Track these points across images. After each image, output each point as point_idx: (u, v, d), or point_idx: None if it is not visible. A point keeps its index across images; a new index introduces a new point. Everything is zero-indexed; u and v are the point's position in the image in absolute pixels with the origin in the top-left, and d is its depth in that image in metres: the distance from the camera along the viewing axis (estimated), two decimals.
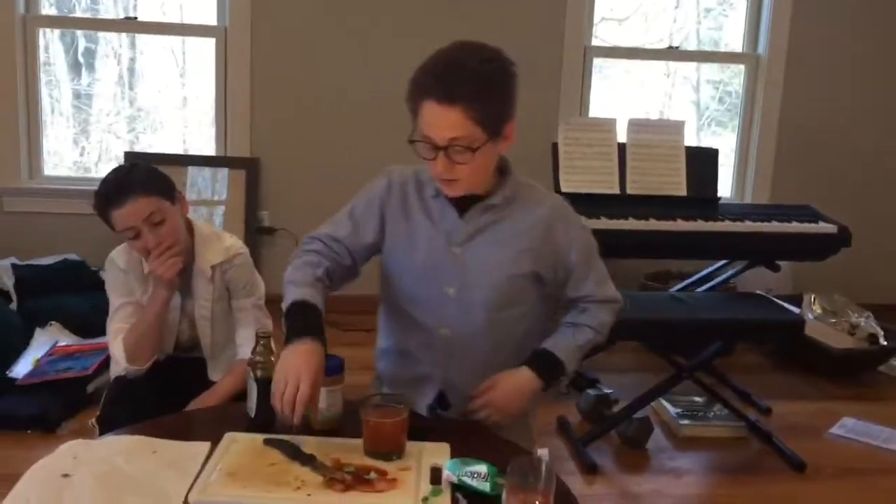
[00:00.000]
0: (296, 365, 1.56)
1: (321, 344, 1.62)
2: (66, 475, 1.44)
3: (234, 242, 2.24)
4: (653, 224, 3.24)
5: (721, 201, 3.50)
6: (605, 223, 3.20)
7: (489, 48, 1.67)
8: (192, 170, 4.15)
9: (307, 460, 1.51)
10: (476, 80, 1.61)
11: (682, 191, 3.45)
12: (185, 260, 2.11)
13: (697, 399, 3.34)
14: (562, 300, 1.89)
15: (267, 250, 4.24)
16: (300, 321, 1.65)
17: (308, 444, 1.59)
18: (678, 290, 3.58)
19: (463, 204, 1.77)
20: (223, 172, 4.18)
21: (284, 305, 1.70)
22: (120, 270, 2.16)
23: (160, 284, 2.09)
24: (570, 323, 1.87)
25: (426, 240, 1.79)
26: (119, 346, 2.11)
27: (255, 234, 4.20)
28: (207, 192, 4.19)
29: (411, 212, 1.81)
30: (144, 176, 2.07)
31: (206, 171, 4.19)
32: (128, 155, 4.12)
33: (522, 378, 1.77)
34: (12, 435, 2.87)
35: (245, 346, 2.15)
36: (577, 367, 1.87)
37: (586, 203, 3.30)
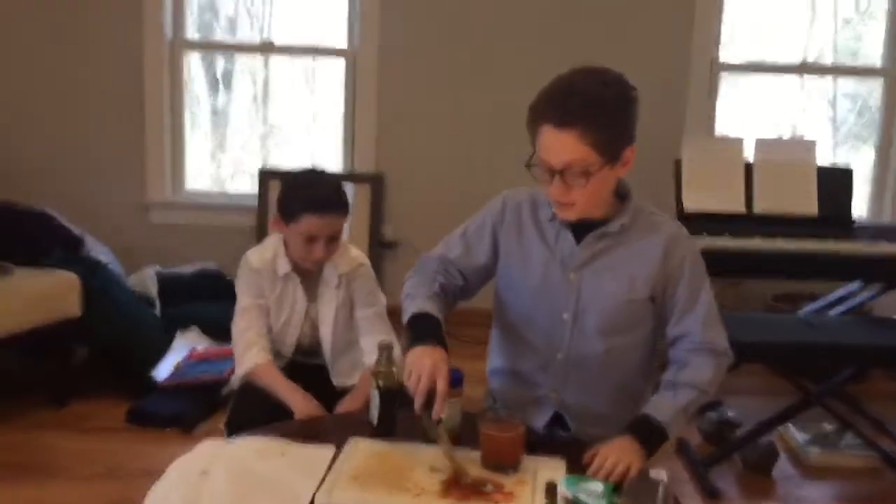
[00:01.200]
0: (428, 362, 1.61)
1: (445, 350, 1.67)
2: (204, 472, 1.54)
3: (358, 253, 2.34)
4: (780, 244, 3.14)
5: (856, 222, 3.36)
6: (729, 242, 3.13)
7: (609, 73, 1.69)
8: None
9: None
10: (592, 104, 1.62)
11: (812, 210, 3.33)
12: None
13: (827, 426, 3.20)
14: (666, 339, 1.83)
15: (389, 264, 4.35)
16: (423, 330, 1.70)
17: (427, 452, 1.64)
18: (808, 313, 3.45)
19: (579, 228, 1.77)
20: (349, 187, 4.33)
21: (405, 318, 1.76)
22: (252, 270, 2.25)
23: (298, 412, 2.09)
24: (670, 382, 1.77)
25: (541, 264, 1.81)
26: (243, 356, 2.20)
27: (378, 247, 4.32)
28: None
29: (525, 234, 1.83)
30: (345, 194, 2.19)
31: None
32: (262, 172, 4.33)
33: (626, 445, 1.64)
34: (153, 433, 3.06)
35: (371, 353, 2.22)
36: (685, 431, 1.77)
37: (710, 221, 3.24)
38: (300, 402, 2.07)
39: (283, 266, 2.22)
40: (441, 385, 1.59)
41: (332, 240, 2.15)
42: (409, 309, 1.77)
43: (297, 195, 2.15)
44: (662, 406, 1.73)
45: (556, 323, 1.80)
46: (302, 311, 2.28)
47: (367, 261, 2.34)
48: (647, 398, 1.81)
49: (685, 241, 1.80)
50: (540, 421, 1.87)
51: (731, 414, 3.23)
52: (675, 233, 1.80)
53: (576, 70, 1.69)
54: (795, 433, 3.16)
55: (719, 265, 3.18)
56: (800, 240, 3.16)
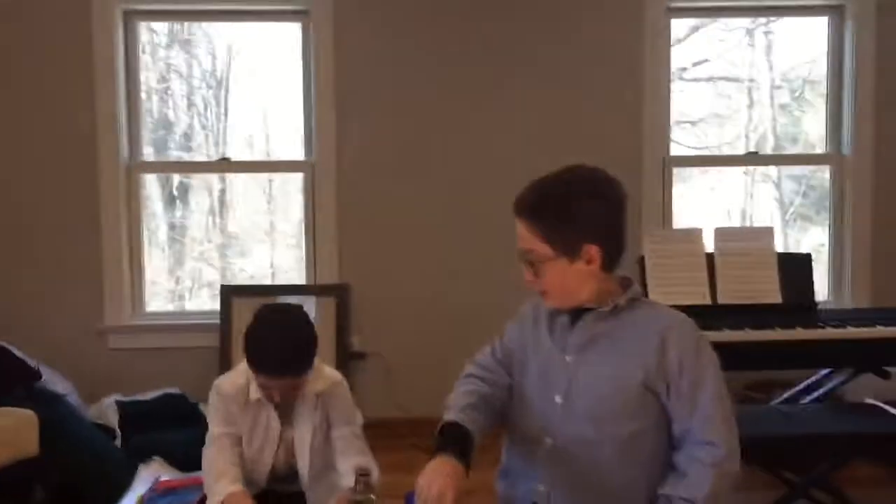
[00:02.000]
0: (439, 478, 1.60)
1: (465, 466, 1.66)
2: None
3: (332, 372, 2.30)
4: (749, 334, 3.15)
5: (819, 306, 3.39)
6: None
7: (586, 171, 1.77)
8: (281, 300, 4.27)
9: None
10: (540, 198, 1.74)
11: (776, 298, 3.36)
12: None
13: None
14: (671, 439, 1.76)
15: (359, 375, 4.26)
16: (449, 440, 1.70)
17: None
18: (782, 402, 3.44)
19: (574, 316, 1.81)
20: (311, 301, 4.28)
21: (438, 427, 1.75)
22: (223, 396, 2.21)
23: None
24: (665, 496, 1.70)
25: (544, 349, 1.84)
26: (213, 492, 2.16)
27: (347, 358, 4.25)
28: None
29: (540, 323, 1.87)
30: (305, 353, 2.14)
31: (296, 301, 4.30)
32: (224, 288, 4.27)
33: None
34: None
35: (348, 475, 2.15)
36: None
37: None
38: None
39: (255, 392, 2.18)
40: (448, 499, 1.57)
41: (292, 389, 2.13)
42: (445, 417, 1.77)
43: (251, 351, 2.12)
44: None
45: (549, 406, 1.79)
46: (276, 436, 2.22)
47: (342, 379, 2.30)
48: (644, 497, 1.74)
49: (686, 333, 1.76)
50: None
51: None
52: (676, 323, 1.77)
53: (566, 167, 1.78)
54: None
55: None
56: (766, 329, 3.17)
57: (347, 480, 2.09)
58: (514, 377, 1.89)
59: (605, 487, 1.76)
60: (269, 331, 2.14)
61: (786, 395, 3.55)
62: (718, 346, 3.08)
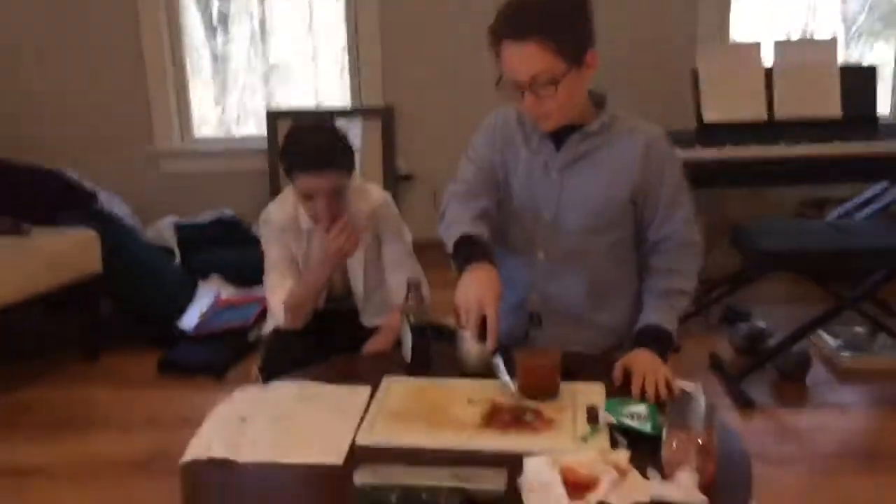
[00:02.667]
0: (477, 291, 1.61)
1: (496, 269, 1.67)
2: (243, 419, 1.53)
3: (379, 192, 2.29)
4: (806, 148, 3.07)
5: (881, 120, 3.27)
6: (753, 150, 3.06)
7: None
8: None
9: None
10: (544, 11, 1.65)
11: (836, 112, 3.25)
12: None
13: (859, 330, 3.18)
14: (646, 242, 1.85)
15: (406, 197, 4.30)
16: (470, 251, 1.70)
17: (464, 386, 1.63)
18: (836, 218, 3.39)
19: (560, 134, 1.79)
20: (357, 124, 4.25)
21: (450, 244, 1.75)
22: (275, 226, 2.21)
23: (330, 258, 2.09)
24: (663, 291, 1.80)
25: (526, 169, 1.83)
26: (278, 307, 2.16)
27: (393, 181, 4.27)
28: None
29: (514, 143, 1.85)
30: (340, 149, 2.10)
31: (342, 123, 4.27)
32: (269, 114, 4.26)
33: (649, 359, 1.66)
34: (185, 381, 3.08)
35: (398, 291, 2.20)
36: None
37: (732, 131, 3.17)
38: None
39: (306, 221, 2.18)
40: (490, 316, 1.58)
41: (334, 195, 2.08)
42: (452, 236, 1.76)
43: (288, 153, 2.09)
44: (663, 314, 1.77)
45: (538, 221, 1.82)
46: None
47: (389, 198, 2.29)
48: (623, 306, 1.87)
49: (664, 144, 1.82)
50: (521, 326, 1.88)
51: (761, 325, 3.20)
52: (655, 135, 1.81)
53: None
54: (828, 339, 3.14)
55: (744, 175, 3.16)
56: (824, 143, 3.09)
57: (398, 295, 2.13)
58: (499, 193, 1.88)
59: (595, 289, 1.85)
60: (302, 129, 2.13)
61: (840, 211, 3.50)
62: (775, 162, 3.08)
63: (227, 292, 3.54)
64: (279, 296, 2.17)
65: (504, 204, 1.87)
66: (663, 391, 1.56)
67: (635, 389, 1.57)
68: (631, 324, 1.83)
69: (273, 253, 2.22)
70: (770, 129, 3.19)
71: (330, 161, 2.06)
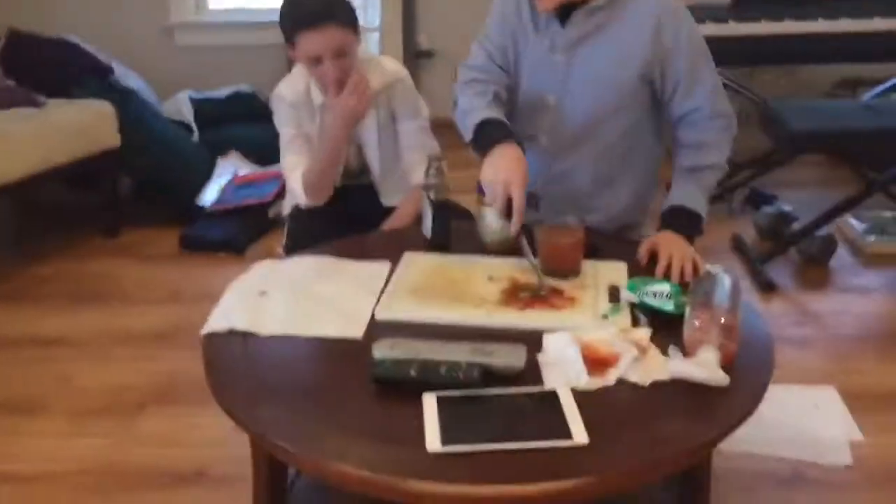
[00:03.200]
0: (504, 171, 1.58)
1: (520, 146, 1.63)
2: (262, 292, 1.53)
3: (395, 66, 2.21)
4: (846, 24, 2.93)
5: None
6: (789, 26, 2.93)
7: None
8: None
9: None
10: None
11: None
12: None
13: (886, 214, 3.12)
14: (671, 119, 1.77)
15: (427, 74, 4.20)
16: (492, 134, 1.65)
17: (484, 263, 1.61)
18: (870, 98, 3.28)
19: (568, 14, 1.71)
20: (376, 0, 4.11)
21: (470, 131, 1.71)
22: (288, 104, 2.15)
23: (344, 120, 2.02)
24: (691, 168, 1.74)
25: (532, 48, 1.76)
26: (298, 181, 2.12)
27: (414, 58, 4.16)
28: (361, 19, 4.14)
29: (525, 27, 1.77)
30: (343, 4, 2.03)
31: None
32: None
33: (675, 239, 1.64)
34: (206, 257, 3.10)
35: (416, 169, 2.16)
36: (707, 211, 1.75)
37: (768, 3, 3.03)
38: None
39: (318, 96, 2.12)
40: (516, 196, 1.55)
41: (340, 55, 1.99)
42: (471, 122, 1.71)
43: (286, 15, 2.00)
44: (691, 194, 1.72)
45: (542, 107, 1.76)
46: None
47: (405, 72, 2.21)
48: (627, 192, 1.83)
49: (680, 13, 1.72)
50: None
51: (786, 208, 3.15)
52: (668, 5, 1.71)
53: None
54: (854, 223, 3.09)
55: (779, 51, 3.04)
56: (864, 18, 2.95)
57: (416, 175, 2.11)
58: (510, 78, 1.82)
59: (599, 176, 1.80)
60: None
61: (874, 92, 3.37)
62: (811, 38, 2.95)
63: (246, 169, 3.51)
64: (297, 174, 2.13)
65: (512, 89, 1.81)
66: (689, 273, 1.54)
67: (660, 270, 1.55)
68: (634, 209, 1.81)
69: (287, 132, 2.17)
70: (808, 4, 3.04)
71: (330, 14, 1.97)
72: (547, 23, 1.74)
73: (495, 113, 1.70)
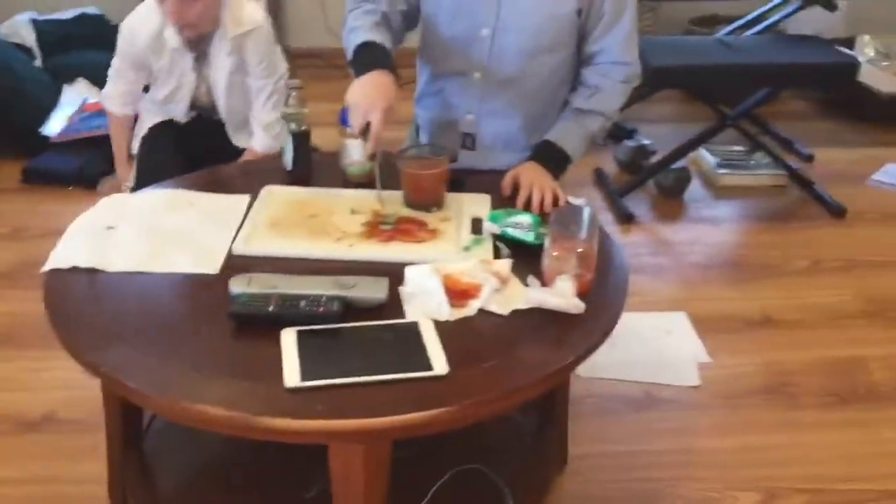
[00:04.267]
0: (370, 94, 1.52)
1: (393, 75, 1.57)
2: (110, 227, 1.44)
3: (255, 14, 2.11)
4: None
5: None
6: None
7: None
8: None
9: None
10: None
11: None
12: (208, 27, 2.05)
13: (738, 148, 3.27)
14: (581, 55, 1.76)
15: (294, 3, 4.03)
16: (369, 57, 1.60)
17: (346, 196, 1.58)
18: (725, 34, 3.39)
19: None
20: None
21: (350, 51, 1.65)
22: (136, 44, 2.09)
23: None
24: (579, 110, 1.74)
25: None
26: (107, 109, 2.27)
27: None
28: None
29: None
30: None
31: None
32: None
33: (540, 172, 1.65)
34: (55, 190, 2.92)
35: (261, 137, 2.13)
36: (584, 154, 1.77)
37: None
38: (120, 169, 2.35)
39: (173, 39, 2.02)
40: (374, 120, 1.49)
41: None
42: (352, 42, 1.65)
43: None
44: (569, 134, 1.72)
45: (475, 40, 1.70)
46: (191, 81, 2.12)
47: (263, 21, 2.12)
48: None
49: None
50: (454, 147, 1.80)
51: (646, 142, 3.25)
52: None
53: None
54: (707, 156, 3.22)
55: None
56: None
57: (260, 142, 2.15)
58: (423, 7, 1.75)
59: (531, 110, 1.78)
60: None
61: (729, 28, 3.49)
62: None
63: (95, 97, 3.30)
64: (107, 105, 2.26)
65: (433, 21, 1.73)
66: (549, 203, 1.56)
67: (520, 201, 1.56)
68: None
69: (120, 62, 2.17)
70: None
71: None
72: None
73: (379, 36, 1.65)
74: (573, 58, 1.76)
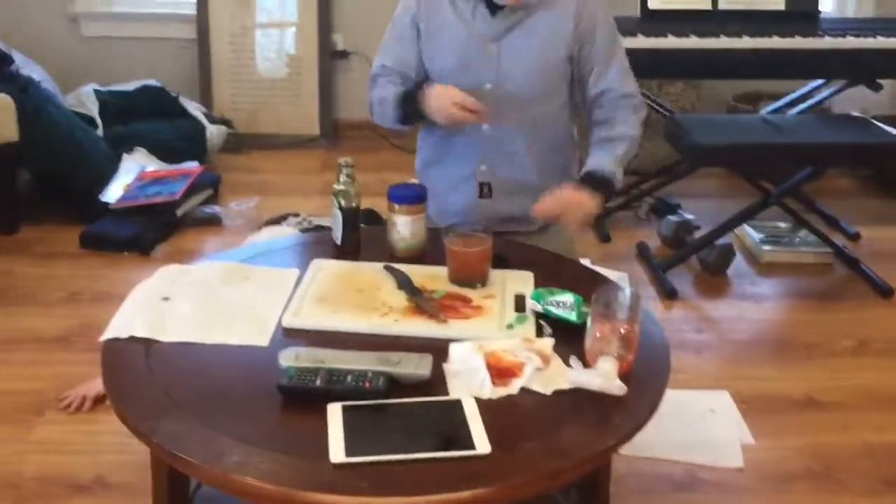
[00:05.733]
0: (443, 94, 1.75)
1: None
2: (166, 298, 1.50)
3: None
4: (747, 42, 3.05)
5: (822, 15, 3.27)
6: (694, 42, 3.03)
7: None
8: None
9: (415, 291, 1.53)
10: None
11: (779, 4, 3.22)
12: None
13: (782, 225, 3.26)
14: (585, 100, 1.90)
15: (342, 75, 4.18)
16: (414, 89, 1.82)
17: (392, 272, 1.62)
18: (769, 113, 3.42)
19: (492, 5, 1.81)
20: None
21: (392, 107, 1.85)
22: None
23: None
24: (604, 139, 1.85)
25: (459, 41, 1.84)
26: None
27: (330, 58, 4.13)
28: (277, 14, 4.10)
29: (444, 17, 1.85)
30: None
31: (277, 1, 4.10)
32: None
33: (578, 191, 1.74)
34: (110, 256, 3.01)
35: None
36: (622, 181, 1.87)
37: (675, 20, 3.13)
38: None
39: None
40: (462, 96, 1.72)
41: None
42: (390, 101, 1.85)
43: None
44: (603, 160, 1.81)
45: (480, 95, 1.80)
46: None
47: None
48: (573, 171, 1.96)
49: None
50: (472, 198, 1.93)
51: (689, 217, 3.26)
52: None
53: None
54: (751, 232, 3.22)
55: (683, 66, 3.14)
56: (765, 37, 3.07)
57: None
58: (430, 69, 1.89)
59: (543, 156, 1.91)
60: None
61: (773, 106, 3.52)
62: (714, 54, 3.06)
63: (153, 166, 3.43)
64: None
65: (438, 80, 1.86)
66: (576, 224, 1.72)
67: (539, 206, 1.72)
68: None
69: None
70: (713, 20, 3.15)
71: None
72: (474, 14, 1.83)
73: (409, 84, 1.85)
74: (567, 103, 1.92)
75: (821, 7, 3.29)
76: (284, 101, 4.15)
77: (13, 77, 3.28)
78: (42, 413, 2.10)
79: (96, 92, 3.68)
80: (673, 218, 3.25)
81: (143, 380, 1.29)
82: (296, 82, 4.15)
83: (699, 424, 2.14)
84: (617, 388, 1.24)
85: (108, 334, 1.40)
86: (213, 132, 3.75)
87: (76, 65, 3.95)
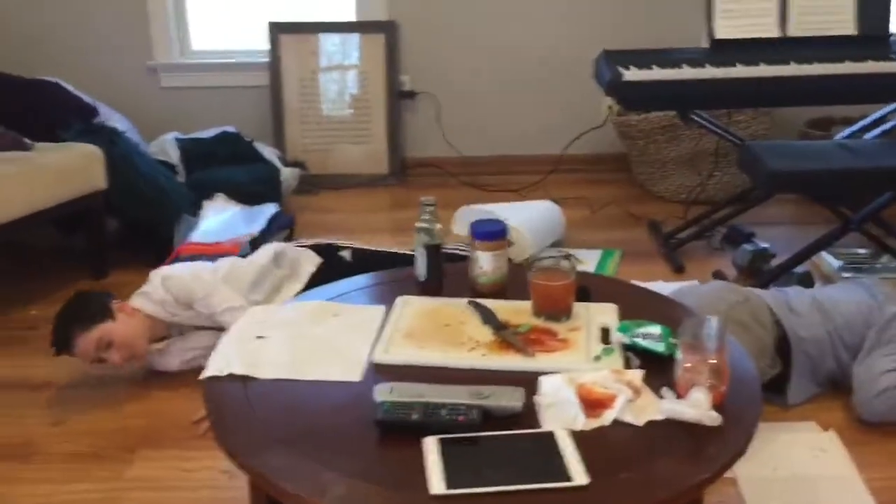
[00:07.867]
0: None
1: None
2: (260, 337, 1.55)
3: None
4: (817, 68, 3.02)
5: (893, 38, 3.21)
6: (764, 70, 3.01)
7: None
8: (323, 36, 4.20)
9: (500, 325, 1.56)
10: None
11: (849, 29, 3.19)
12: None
13: (861, 251, 3.19)
14: None
15: (410, 115, 4.26)
16: None
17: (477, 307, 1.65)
18: (843, 138, 3.37)
19: None
20: (357, 38, 4.19)
21: None
22: None
23: None
24: None
25: None
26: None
27: (397, 98, 4.22)
28: (340, 57, 4.23)
29: None
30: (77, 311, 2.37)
31: (338, 38, 4.22)
32: (272, 25, 4.18)
33: None
34: None
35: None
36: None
37: (743, 49, 3.12)
38: None
39: None
40: None
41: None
42: None
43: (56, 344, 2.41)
44: None
45: None
46: None
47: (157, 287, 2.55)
48: None
49: None
50: None
51: (764, 245, 3.22)
52: None
53: None
54: (830, 259, 3.16)
55: (753, 94, 3.12)
56: (835, 63, 3.04)
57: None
58: None
59: None
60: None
61: (847, 131, 3.47)
62: (785, 82, 3.03)
63: (232, 209, 3.53)
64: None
65: None
66: None
67: None
68: None
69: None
70: (782, 48, 3.13)
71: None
72: None
73: None
74: None
75: (893, 30, 3.24)
76: (353, 142, 4.25)
77: (100, 129, 3.43)
78: (135, 450, 2.17)
79: (177, 140, 3.82)
80: (748, 247, 3.21)
81: (245, 416, 1.34)
82: (364, 123, 4.25)
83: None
84: (712, 418, 1.24)
85: (207, 372, 1.45)
86: (287, 174, 3.86)
87: (156, 114, 4.12)
